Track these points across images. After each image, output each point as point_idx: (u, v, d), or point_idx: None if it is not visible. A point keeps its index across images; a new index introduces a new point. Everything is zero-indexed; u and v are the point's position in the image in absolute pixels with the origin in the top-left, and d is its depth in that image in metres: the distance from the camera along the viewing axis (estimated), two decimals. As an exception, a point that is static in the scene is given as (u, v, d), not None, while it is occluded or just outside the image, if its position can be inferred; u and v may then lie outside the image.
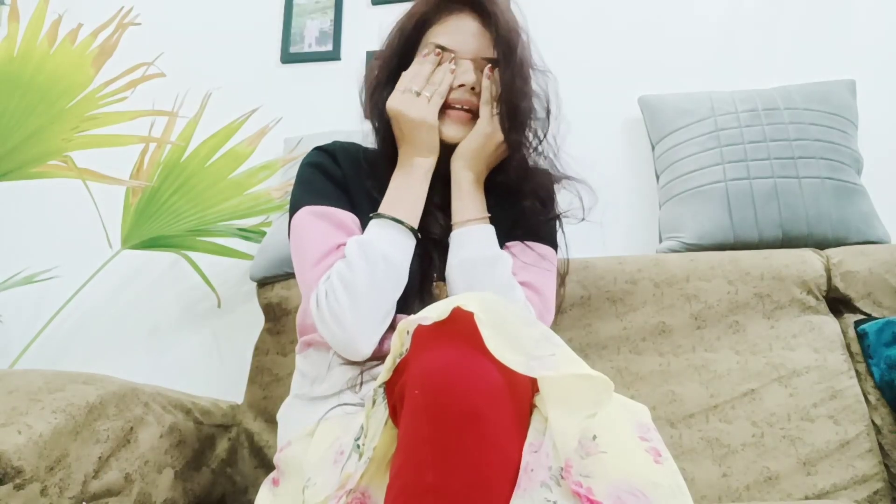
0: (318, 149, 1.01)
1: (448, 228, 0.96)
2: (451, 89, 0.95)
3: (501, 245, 0.95)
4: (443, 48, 0.95)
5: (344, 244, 0.88)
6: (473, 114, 0.96)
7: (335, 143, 1.02)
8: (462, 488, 0.53)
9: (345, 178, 0.97)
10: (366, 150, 1.03)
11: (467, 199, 0.95)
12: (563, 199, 1.05)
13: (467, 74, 0.94)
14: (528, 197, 1.00)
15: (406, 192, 0.92)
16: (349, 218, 0.92)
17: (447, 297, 0.88)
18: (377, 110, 0.99)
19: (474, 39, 0.96)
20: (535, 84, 0.99)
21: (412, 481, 0.55)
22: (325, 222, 0.91)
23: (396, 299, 0.87)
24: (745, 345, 1.23)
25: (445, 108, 0.96)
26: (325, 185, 0.96)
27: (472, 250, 0.91)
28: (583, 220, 1.01)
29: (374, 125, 1.01)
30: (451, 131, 0.96)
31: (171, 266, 1.68)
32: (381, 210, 0.91)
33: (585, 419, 0.57)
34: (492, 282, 0.89)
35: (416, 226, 0.91)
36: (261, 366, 1.34)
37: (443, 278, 0.93)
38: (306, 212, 0.92)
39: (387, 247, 0.86)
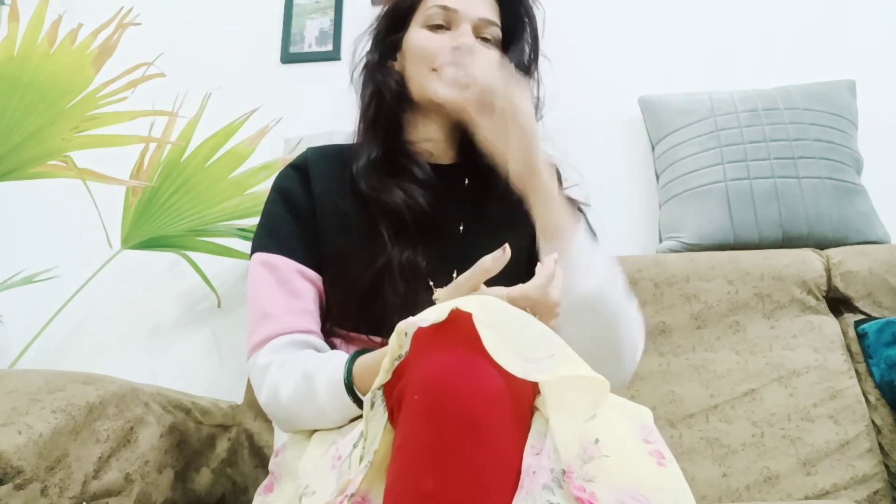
0: (289, 167, 0.98)
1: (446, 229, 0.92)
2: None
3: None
4: (446, 8, 0.92)
5: (277, 336, 0.88)
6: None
7: (308, 153, 0.98)
8: (462, 494, 0.52)
9: (312, 200, 0.94)
10: (350, 147, 0.99)
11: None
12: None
13: (464, 38, 0.90)
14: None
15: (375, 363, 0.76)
16: (291, 270, 0.90)
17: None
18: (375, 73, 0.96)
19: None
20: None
21: (411, 488, 0.54)
22: (269, 275, 0.91)
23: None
24: (745, 345, 1.23)
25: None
26: (283, 221, 0.93)
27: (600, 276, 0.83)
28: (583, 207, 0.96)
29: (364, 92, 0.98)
30: (448, 91, 0.90)
31: (171, 266, 1.68)
32: (355, 370, 0.77)
33: (585, 422, 0.57)
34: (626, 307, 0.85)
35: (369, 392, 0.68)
36: (261, 366, 1.34)
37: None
38: (257, 260, 0.92)
39: (324, 399, 0.77)
